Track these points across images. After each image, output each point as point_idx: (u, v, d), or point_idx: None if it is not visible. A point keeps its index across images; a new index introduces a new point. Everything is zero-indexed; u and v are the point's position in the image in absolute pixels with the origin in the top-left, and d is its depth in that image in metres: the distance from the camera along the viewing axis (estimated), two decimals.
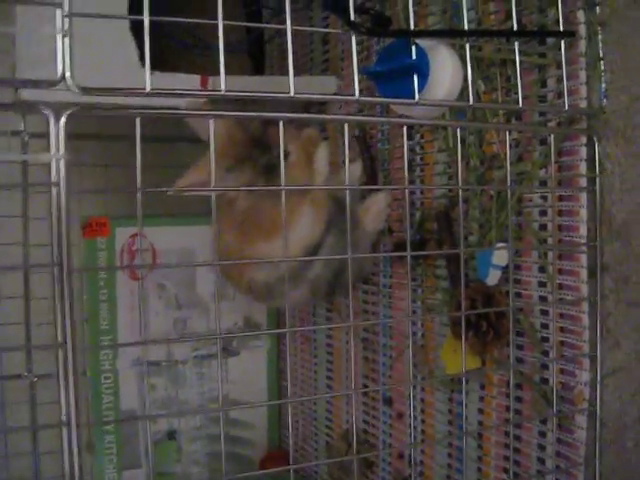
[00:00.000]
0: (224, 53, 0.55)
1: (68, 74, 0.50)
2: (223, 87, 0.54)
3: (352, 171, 1.08)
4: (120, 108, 0.55)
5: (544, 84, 0.78)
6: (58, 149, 0.52)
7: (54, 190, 0.51)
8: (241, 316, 1.36)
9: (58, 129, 0.51)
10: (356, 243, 1.00)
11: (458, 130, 0.64)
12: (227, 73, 0.55)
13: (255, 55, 1.38)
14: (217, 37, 0.55)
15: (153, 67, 0.57)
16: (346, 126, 0.60)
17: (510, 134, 0.69)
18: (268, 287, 0.96)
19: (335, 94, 1.18)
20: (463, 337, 0.64)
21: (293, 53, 0.56)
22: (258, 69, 1.39)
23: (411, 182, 1.00)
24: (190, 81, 1.06)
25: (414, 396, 1.01)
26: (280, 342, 1.39)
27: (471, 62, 0.63)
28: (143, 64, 0.53)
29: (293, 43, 0.56)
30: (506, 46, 0.82)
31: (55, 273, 0.51)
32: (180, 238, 1.32)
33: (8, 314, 1.27)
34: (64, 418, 0.52)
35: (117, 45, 0.93)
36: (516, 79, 0.80)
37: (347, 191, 0.61)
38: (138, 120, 0.54)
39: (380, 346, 1.09)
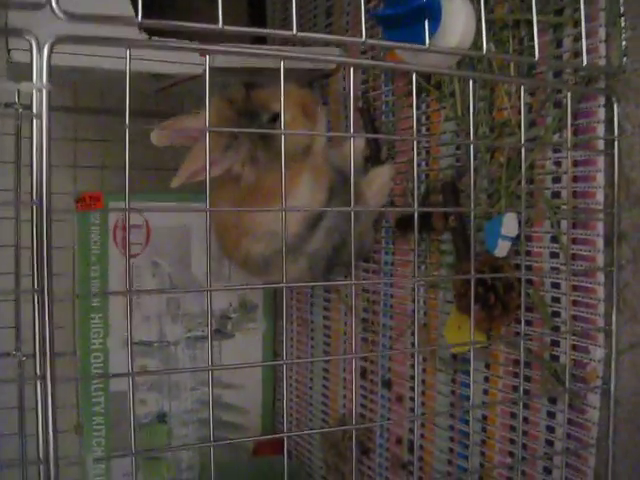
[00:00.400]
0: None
1: None
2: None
3: (355, 145, 1.04)
4: (107, 39, 0.50)
5: (559, 44, 0.74)
6: (41, 79, 0.47)
7: (36, 122, 0.47)
8: (236, 297, 1.32)
9: (42, 58, 0.47)
10: (358, 217, 0.96)
11: (470, 82, 0.60)
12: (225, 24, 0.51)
13: (255, 2, 1.33)
14: None
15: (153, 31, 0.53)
16: (351, 70, 0.56)
17: (524, 92, 0.65)
18: (265, 260, 0.92)
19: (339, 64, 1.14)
20: (472, 299, 0.60)
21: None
22: (258, 18, 1.34)
23: (417, 153, 0.96)
24: (189, 55, 1.02)
25: (414, 377, 0.97)
26: (276, 324, 1.35)
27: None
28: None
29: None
30: (519, 6, 0.78)
31: (33, 213, 0.47)
32: (176, 215, 1.28)
33: None
34: (39, 371, 0.48)
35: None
36: (530, 41, 0.76)
37: (352, 139, 0.57)
38: (128, 52, 0.50)
39: (380, 327, 1.05)
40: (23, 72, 0.99)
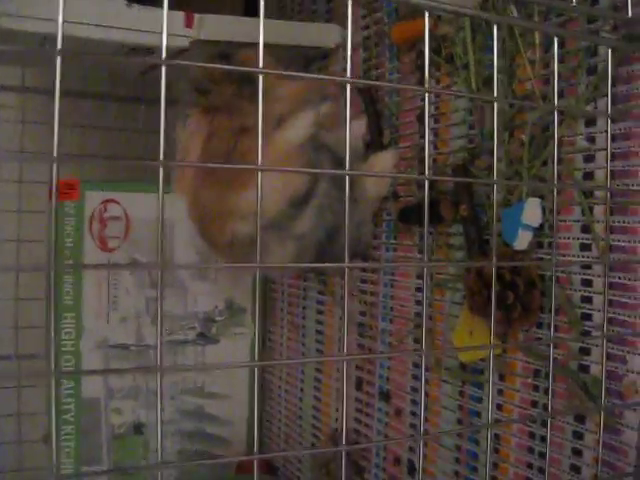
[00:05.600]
0: None
1: None
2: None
3: (355, 129, 0.93)
4: None
5: (595, 1, 0.63)
6: None
7: None
8: (222, 299, 1.21)
9: None
10: (355, 205, 0.85)
11: (495, 27, 0.49)
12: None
13: None
14: None
15: None
16: (349, 2, 0.45)
17: (557, 45, 0.54)
18: (252, 239, 0.81)
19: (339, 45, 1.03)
20: (493, 293, 0.48)
21: None
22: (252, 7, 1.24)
23: (422, 136, 0.85)
24: (173, 19, 0.92)
25: (416, 389, 0.86)
26: (266, 329, 1.24)
27: None
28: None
29: None
30: None
31: None
32: (157, 207, 1.17)
33: None
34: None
35: None
36: None
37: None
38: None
39: (379, 332, 0.93)
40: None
